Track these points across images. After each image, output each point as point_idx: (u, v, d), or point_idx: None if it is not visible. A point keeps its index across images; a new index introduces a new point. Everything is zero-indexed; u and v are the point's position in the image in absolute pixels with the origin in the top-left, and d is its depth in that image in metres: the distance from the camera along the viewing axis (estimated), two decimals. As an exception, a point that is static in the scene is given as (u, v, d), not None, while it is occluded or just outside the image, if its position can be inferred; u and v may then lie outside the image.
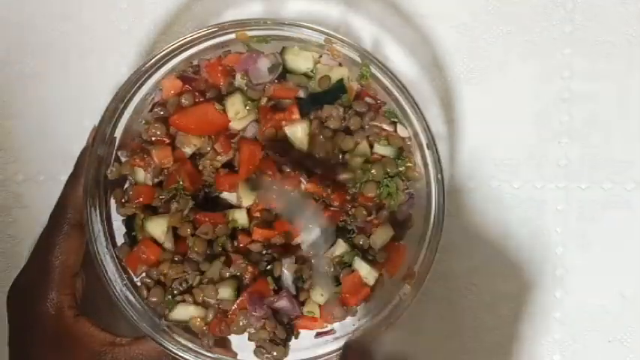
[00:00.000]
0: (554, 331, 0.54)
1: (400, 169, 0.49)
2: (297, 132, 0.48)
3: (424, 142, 0.48)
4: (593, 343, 0.54)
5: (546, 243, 0.54)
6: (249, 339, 0.49)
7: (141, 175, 0.49)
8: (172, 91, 0.49)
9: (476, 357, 0.54)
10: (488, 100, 0.54)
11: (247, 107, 0.49)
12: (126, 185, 0.50)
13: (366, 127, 0.49)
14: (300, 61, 0.49)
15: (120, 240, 0.50)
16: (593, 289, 0.54)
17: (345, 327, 0.50)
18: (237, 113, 0.49)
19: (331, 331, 0.50)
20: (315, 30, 0.47)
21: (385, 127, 0.49)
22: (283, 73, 0.49)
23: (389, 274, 0.49)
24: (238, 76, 0.49)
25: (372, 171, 0.48)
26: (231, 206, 0.49)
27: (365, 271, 0.48)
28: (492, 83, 0.54)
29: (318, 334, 0.50)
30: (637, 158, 0.54)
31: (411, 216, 0.50)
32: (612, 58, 0.54)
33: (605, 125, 0.54)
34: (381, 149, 0.49)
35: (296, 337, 0.50)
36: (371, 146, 0.49)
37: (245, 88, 0.49)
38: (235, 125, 0.49)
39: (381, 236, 0.49)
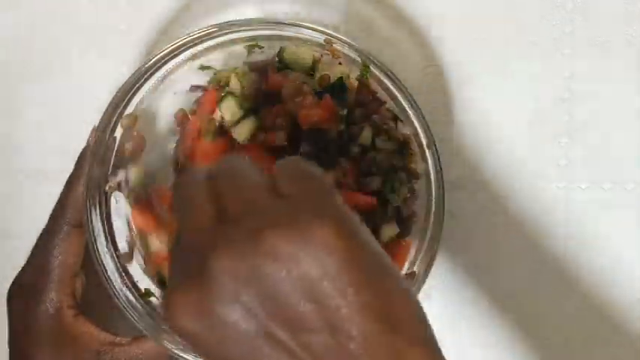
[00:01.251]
0: (555, 331, 0.54)
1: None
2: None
3: (424, 142, 0.48)
4: (593, 342, 0.54)
5: (546, 243, 0.54)
6: None
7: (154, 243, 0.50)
8: None
9: (476, 356, 0.54)
10: (488, 100, 0.54)
11: (242, 107, 0.49)
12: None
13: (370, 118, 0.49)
14: (298, 58, 0.49)
15: (120, 240, 0.50)
16: (593, 288, 0.54)
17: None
18: (234, 114, 0.49)
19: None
20: (315, 30, 0.48)
21: (387, 120, 0.49)
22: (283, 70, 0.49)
23: None
24: (233, 81, 0.49)
25: (377, 157, 0.48)
26: None
27: None
28: (492, 83, 0.54)
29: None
30: (637, 158, 0.54)
31: (415, 213, 0.50)
32: (612, 58, 0.54)
33: (605, 125, 0.54)
34: (381, 144, 0.49)
35: None
36: (373, 140, 0.49)
37: (238, 91, 0.49)
38: (235, 130, 0.49)
39: (387, 233, 0.48)
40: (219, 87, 0.50)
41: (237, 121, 0.49)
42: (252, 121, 0.49)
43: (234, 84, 0.49)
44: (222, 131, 0.50)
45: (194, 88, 0.51)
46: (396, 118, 0.49)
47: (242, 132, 0.48)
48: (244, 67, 0.50)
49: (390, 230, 0.48)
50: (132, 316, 0.48)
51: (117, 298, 0.48)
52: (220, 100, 0.49)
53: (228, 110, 0.49)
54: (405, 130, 0.49)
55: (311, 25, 0.47)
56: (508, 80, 0.54)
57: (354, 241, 0.29)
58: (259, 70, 0.50)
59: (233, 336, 0.29)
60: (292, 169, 0.32)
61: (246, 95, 0.49)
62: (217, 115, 0.49)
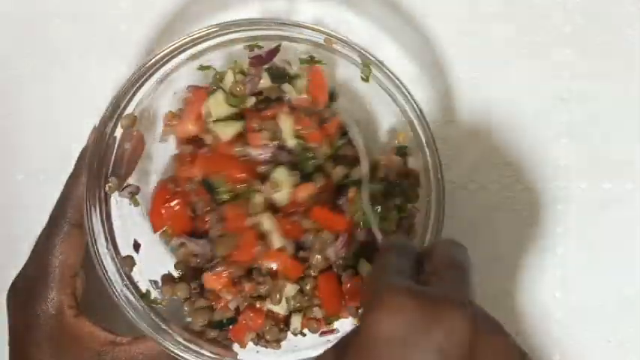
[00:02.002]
0: (554, 331, 0.54)
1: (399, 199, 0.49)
2: (286, 122, 0.48)
3: (424, 142, 0.48)
4: (593, 343, 0.54)
5: (546, 243, 0.54)
6: None
7: None
8: None
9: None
10: (488, 100, 0.54)
11: (229, 103, 0.49)
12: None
13: None
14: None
15: (120, 240, 0.50)
16: (593, 289, 0.54)
17: (346, 327, 0.50)
18: (221, 111, 0.48)
19: (334, 331, 0.50)
20: (315, 30, 0.47)
21: None
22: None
23: None
24: (228, 75, 0.49)
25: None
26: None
27: None
28: (492, 83, 0.54)
29: (322, 333, 0.50)
30: (637, 158, 0.54)
31: (414, 214, 0.50)
32: (612, 58, 0.54)
33: (605, 125, 0.54)
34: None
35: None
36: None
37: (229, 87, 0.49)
38: (220, 127, 0.49)
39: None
40: (218, 88, 0.50)
41: (223, 119, 0.49)
42: (239, 124, 0.49)
43: (229, 78, 0.49)
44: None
45: (192, 88, 0.51)
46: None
47: (227, 131, 0.48)
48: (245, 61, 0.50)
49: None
50: (132, 316, 0.48)
51: (117, 298, 0.48)
52: (210, 93, 0.49)
53: (215, 106, 0.48)
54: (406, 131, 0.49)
55: (311, 25, 0.47)
56: (508, 80, 0.54)
57: (480, 337, 0.35)
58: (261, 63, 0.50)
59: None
60: (448, 254, 0.40)
61: (235, 92, 0.49)
62: (203, 113, 0.49)
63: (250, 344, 0.49)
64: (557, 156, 0.54)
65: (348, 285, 0.48)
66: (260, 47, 0.50)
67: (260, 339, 0.49)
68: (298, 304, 0.49)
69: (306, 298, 0.49)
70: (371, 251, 0.48)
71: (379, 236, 0.46)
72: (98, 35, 0.54)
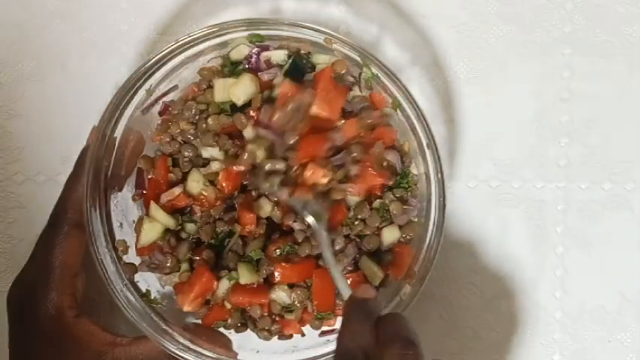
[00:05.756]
0: (554, 331, 0.54)
1: (397, 195, 0.49)
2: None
3: (424, 142, 0.48)
4: (593, 343, 0.54)
5: (546, 243, 0.54)
6: None
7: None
8: None
9: (476, 357, 0.54)
10: (488, 100, 0.54)
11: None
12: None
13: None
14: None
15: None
16: (593, 289, 0.54)
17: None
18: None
19: (334, 331, 0.50)
20: (315, 30, 0.47)
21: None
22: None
23: (394, 276, 0.49)
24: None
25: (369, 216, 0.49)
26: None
27: (370, 271, 0.48)
28: (492, 83, 0.54)
29: (322, 333, 0.50)
30: (637, 158, 0.54)
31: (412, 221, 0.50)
32: (612, 58, 0.54)
33: (605, 125, 0.54)
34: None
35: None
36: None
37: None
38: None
39: (388, 237, 0.48)
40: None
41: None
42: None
43: None
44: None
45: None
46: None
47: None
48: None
49: (391, 234, 0.48)
50: (132, 317, 0.48)
51: (117, 298, 0.48)
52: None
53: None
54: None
55: (311, 25, 0.47)
56: (508, 80, 0.54)
57: None
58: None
59: None
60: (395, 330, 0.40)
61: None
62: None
63: (251, 344, 0.49)
64: (557, 156, 0.54)
65: (349, 280, 0.48)
66: (262, 38, 0.49)
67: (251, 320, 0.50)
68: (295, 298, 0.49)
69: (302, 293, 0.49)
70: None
71: (346, 292, 0.45)
72: (98, 35, 0.54)
